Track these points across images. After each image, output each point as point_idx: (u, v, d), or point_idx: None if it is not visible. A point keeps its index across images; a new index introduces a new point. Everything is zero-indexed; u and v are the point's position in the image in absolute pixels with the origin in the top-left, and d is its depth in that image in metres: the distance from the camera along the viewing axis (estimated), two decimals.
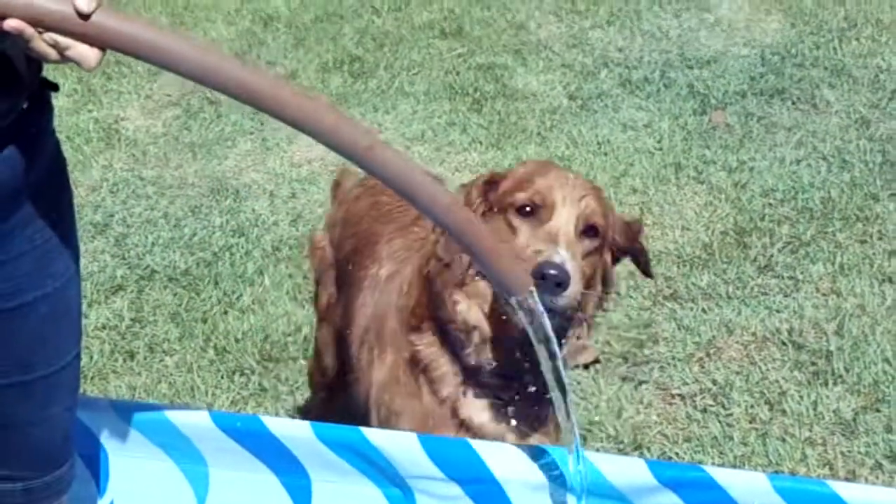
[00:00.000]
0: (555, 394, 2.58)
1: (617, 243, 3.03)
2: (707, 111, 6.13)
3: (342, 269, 3.55)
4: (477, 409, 2.99)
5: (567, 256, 2.75)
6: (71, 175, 2.38)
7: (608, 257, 3.01)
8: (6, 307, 2.22)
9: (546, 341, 2.52)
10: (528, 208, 2.87)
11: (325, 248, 3.71)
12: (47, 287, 2.26)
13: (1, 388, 2.29)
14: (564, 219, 2.85)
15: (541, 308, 2.50)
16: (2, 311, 2.22)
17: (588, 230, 2.89)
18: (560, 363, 2.57)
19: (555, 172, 2.95)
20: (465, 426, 3.00)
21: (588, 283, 2.90)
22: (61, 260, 2.29)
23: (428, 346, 3.03)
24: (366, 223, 3.53)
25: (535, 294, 2.49)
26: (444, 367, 3.01)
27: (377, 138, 2.24)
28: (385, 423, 3.08)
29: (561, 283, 2.69)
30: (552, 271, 2.69)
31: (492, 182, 3.01)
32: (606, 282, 3.02)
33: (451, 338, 2.98)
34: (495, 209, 2.95)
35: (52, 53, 1.86)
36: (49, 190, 2.25)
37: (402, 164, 2.26)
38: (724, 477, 2.70)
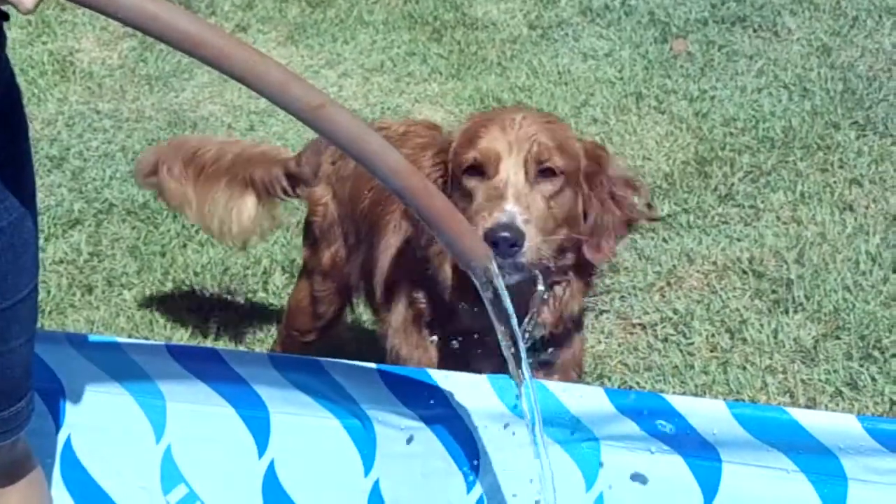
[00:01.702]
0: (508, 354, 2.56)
1: (594, 174, 2.89)
2: (668, 39, 6.09)
3: (356, 221, 3.43)
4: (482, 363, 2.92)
5: (517, 211, 2.67)
6: (26, 108, 2.34)
7: (583, 192, 2.88)
8: None
9: (506, 315, 2.49)
10: (475, 167, 2.78)
11: (329, 204, 3.55)
12: (2, 221, 2.22)
13: None
14: (510, 169, 2.74)
15: (501, 283, 2.46)
16: None
17: (544, 172, 2.78)
18: (520, 332, 2.55)
19: (498, 121, 2.82)
20: None
21: (560, 228, 2.80)
22: (16, 193, 2.26)
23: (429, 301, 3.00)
24: None
25: (495, 263, 2.46)
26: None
27: (329, 98, 2.17)
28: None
29: (515, 243, 2.62)
30: (503, 234, 2.61)
31: (444, 149, 2.93)
32: (583, 222, 2.88)
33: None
34: (452, 175, 2.87)
35: None
36: (2, 119, 2.21)
37: (355, 126, 2.17)
38: (684, 405, 2.71)
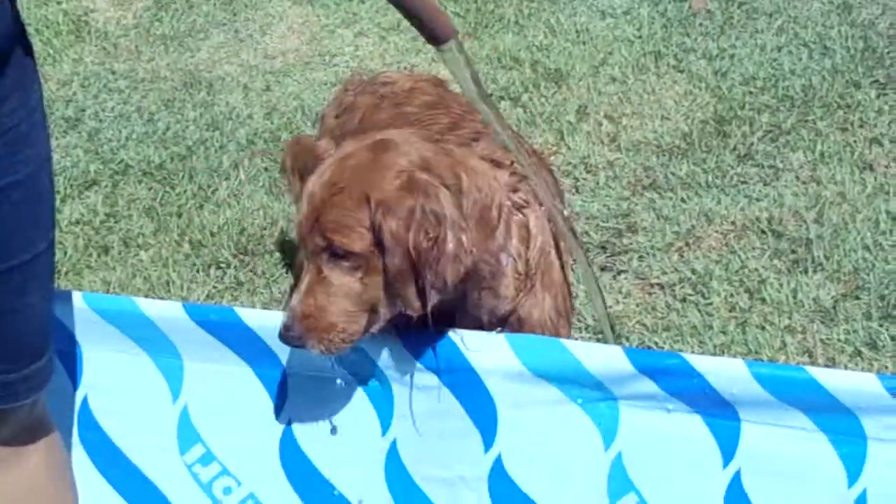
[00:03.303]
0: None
1: None
2: None
3: None
4: None
5: (295, 308, 2.65)
6: (41, 69, 2.34)
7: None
8: None
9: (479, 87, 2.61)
10: None
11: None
12: (19, 173, 2.22)
13: None
14: (304, 254, 2.70)
15: (468, 55, 2.55)
16: None
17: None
18: None
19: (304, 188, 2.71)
20: None
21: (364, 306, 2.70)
22: (32, 145, 2.25)
23: None
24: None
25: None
26: None
27: None
28: None
29: (300, 343, 2.67)
30: (289, 333, 2.65)
31: None
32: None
33: None
34: None
35: None
36: (16, 71, 2.20)
37: None
38: (703, 364, 2.70)
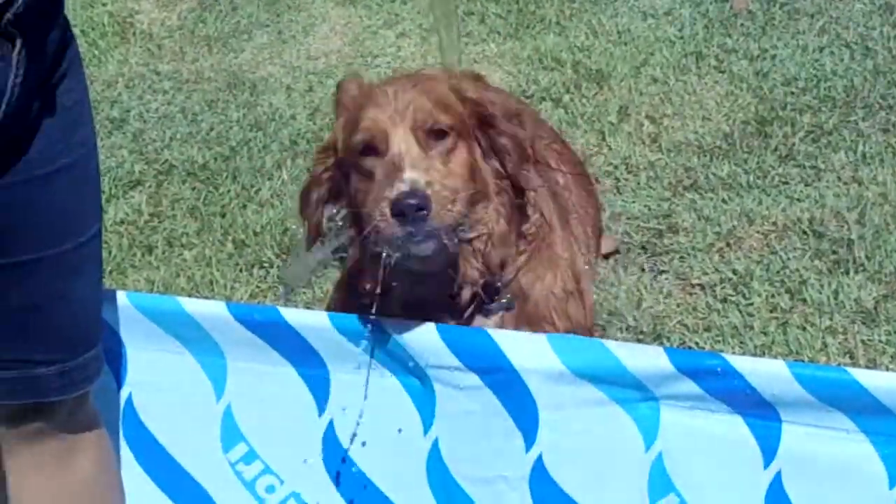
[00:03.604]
0: None
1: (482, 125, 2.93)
2: None
3: None
4: None
5: (416, 177, 2.68)
6: (86, 70, 2.38)
7: (480, 143, 2.93)
8: (36, 174, 2.22)
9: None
10: (369, 149, 2.81)
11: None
12: (74, 154, 2.28)
13: (32, 263, 2.31)
14: (400, 141, 2.76)
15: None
16: (32, 180, 2.23)
17: (434, 133, 2.80)
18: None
19: (374, 99, 2.85)
20: None
21: (465, 183, 2.82)
22: (84, 128, 2.31)
23: None
24: None
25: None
26: None
27: None
28: None
29: (422, 207, 2.64)
30: (409, 201, 2.63)
31: (328, 147, 2.97)
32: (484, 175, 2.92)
33: None
34: (346, 165, 2.89)
35: None
36: (72, 52, 2.26)
37: None
38: (744, 365, 2.70)
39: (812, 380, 2.65)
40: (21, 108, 2.11)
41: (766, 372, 2.69)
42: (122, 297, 3.03)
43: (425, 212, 2.64)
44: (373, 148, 2.79)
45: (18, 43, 2.06)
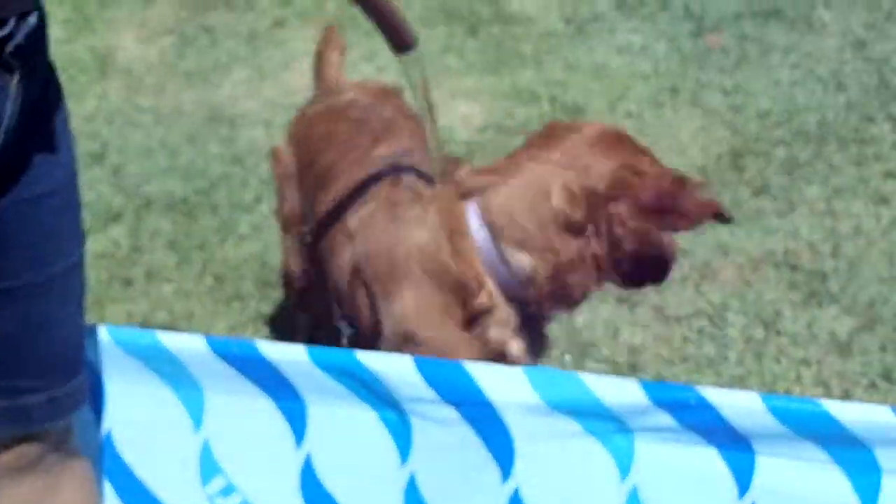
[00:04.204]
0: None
1: None
2: (703, 33, 6.09)
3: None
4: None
5: None
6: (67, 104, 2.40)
7: None
8: (23, 197, 2.24)
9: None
10: None
11: (289, 158, 3.76)
12: (57, 178, 2.30)
13: (17, 289, 2.32)
14: None
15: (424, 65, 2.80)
16: (19, 203, 2.24)
17: None
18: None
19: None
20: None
21: None
22: (69, 150, 2.34)
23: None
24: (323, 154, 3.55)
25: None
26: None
27: None
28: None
29: None
30: None
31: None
32: None
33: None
34: None
35: None
36: (54, 75, 2.30)
37: None
38: (717, 397, 2.72)
39: (785, 412, 2.67)
40: (16, 134, 2.14)
41: (740, 404, 2.71)
42: (101, 330, 3.04)
43: None
44: None
45: (17, 73, 2.10)
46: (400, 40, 2.83)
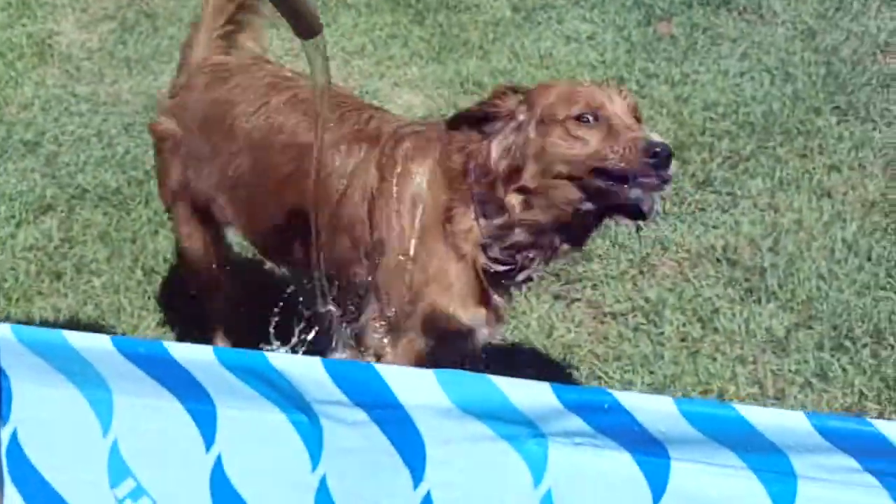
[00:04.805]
0: None
1: None
2: (652, 22, 6.03)
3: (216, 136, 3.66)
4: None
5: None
6: (2, 92, 2.31)
7: None
8: None
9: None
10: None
11: (174, 130, 3.79)
12: None
13: None
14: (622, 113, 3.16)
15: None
16: None
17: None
18: None
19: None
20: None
21: None
22: None
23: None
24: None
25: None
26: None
27: None
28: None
29: (671, 154, 3.00)
30: (665, 147, 3.00)
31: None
32: None
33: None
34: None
35: None
36: None
37: None
38: (631, 401, 2.66)
39: (699, 416, 2.61)
40: None
41: (654, 408, 2.65)
42: (5, 330, 2.96)
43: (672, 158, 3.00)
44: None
45: None
46: (308, 28, 2.86)
